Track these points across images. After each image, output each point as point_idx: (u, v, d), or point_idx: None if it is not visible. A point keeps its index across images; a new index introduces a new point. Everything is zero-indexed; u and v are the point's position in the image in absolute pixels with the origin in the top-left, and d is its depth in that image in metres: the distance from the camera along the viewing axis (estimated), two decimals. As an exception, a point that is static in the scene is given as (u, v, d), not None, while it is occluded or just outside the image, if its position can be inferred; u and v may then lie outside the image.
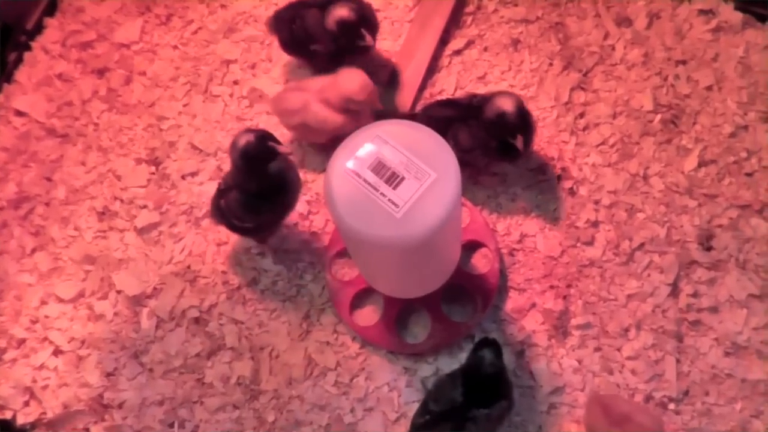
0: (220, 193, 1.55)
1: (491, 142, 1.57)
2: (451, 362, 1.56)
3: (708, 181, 1.68)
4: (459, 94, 1.79)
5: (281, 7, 1.77)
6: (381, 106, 1.64)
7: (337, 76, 1.62)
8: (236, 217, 1.53)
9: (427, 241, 1.21)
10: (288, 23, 1.70)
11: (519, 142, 1.52)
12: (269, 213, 1.53)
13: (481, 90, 1.79)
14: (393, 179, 1.22)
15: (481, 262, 1.63)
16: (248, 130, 1.41)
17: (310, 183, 1.73)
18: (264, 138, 1.40)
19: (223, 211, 1.54)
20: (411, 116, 1.62)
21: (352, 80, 1.60)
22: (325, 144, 1.71)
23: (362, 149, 1.25)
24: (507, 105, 1.52)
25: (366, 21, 1.63)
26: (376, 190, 1.22)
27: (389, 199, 1.21)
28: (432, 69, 1.81)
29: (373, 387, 1.57)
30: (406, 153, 1.23)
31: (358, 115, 1.62)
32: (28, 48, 1.94)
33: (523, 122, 1.53)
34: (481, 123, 1.55)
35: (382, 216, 1.20)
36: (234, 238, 1.69)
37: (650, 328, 1.57)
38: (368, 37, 1.62)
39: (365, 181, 1.22)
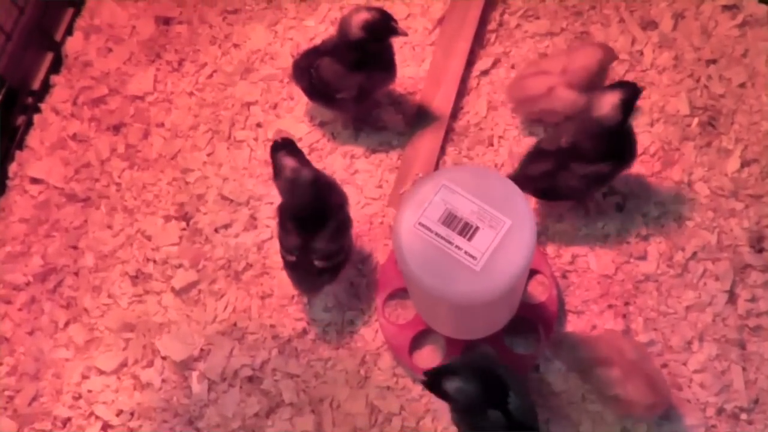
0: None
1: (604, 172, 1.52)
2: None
3: (752, 181, 1.66)
4: (493, 116, 1.74)
5: (299, 56, 1.70)
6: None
7: (573, 54, 1.61)
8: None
9: (509, 291, 1.17)
10: (307, 72, 1.65)
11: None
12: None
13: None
14: (467, 230, 1.18)
15: (538, 290, 1.59)
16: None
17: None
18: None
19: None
20: (510, 178, 1.54)
21: (590, 55, 1.59)
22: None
23: (430, 201, 1.20)
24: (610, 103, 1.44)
25: (389, 16, 1.55)
26: (450, 243, 1.17)
27: (465, 252, 1.17)
28: (461, 92, 1.76)
29: (441, 428, 1.52)
30: (476, 201, 1.19)
31: (599, 86, 1.59)
32: (38, 110, 1.86)
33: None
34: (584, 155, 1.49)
35: (460, 270, 1.16)
36: (278, 289, 1.63)
37: (713, 339, 1.54)
38: (400, 27, 1.55)
39: (437, 234, 1.18)
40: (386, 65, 1.63)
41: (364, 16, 1.52)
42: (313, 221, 1.45)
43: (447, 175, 1.22)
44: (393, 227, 1.21)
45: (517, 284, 1.21)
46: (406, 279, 1.25)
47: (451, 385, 1.24)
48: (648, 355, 1.48)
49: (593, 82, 1.61)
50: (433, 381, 1.25)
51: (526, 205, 1.19)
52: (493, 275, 1.15)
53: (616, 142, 1.48)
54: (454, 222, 1.18)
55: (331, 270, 1.51)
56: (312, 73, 1.63)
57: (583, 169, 1.50)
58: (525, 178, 1.53)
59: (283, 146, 1.44)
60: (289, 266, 1.53)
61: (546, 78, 1.64)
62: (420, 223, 1.19)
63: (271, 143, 1.45)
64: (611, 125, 1.44)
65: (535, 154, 1.55)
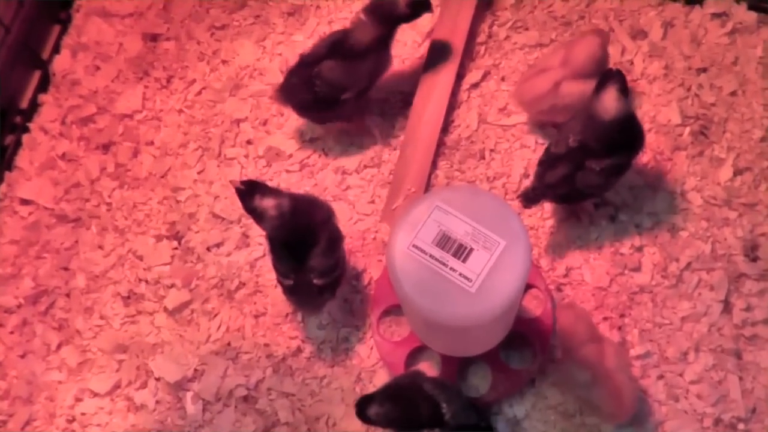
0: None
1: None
2: (515, 410, 1.51)
3: (745, 189, 1.66)
4: (484, 129, 1.74)
5: (287, 76, 1.68)
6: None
7: (573, 47, 1.61)
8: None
9: (504, 312, 1.16)
10: (307, 86, 1.63)
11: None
12: None
13: (505, 121, 1.75)
14: (461, 251, 1.17)
15: (533, 304, 1.58)
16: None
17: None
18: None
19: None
20: (530, 192, 1.55)
21: (590, 43, 1.59)
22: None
23: (424, 223, 1.19)
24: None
25: None
26: (445, 265, 1.17)
27: (460, 274, 1.16)
28: (451, 106, 1.75)
29: (437, 446, 1.52)
30: (470, 221, 1.18)
31: (604, 68, 1.58)
32: (26, 130, 1.84)
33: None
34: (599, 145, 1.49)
35: (455, 292, 1.15)
36: (271, 308, 1.62)
37: (708, 349, 1.54)
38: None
39: (431, 256, 1.17)
40: (388, 47, 1.66)
41: None
42: (304, 242, 1.44)
43: (440, 195, 1.21)
44: (387, 249, 1.20)
45: (513, 304, 1.20)
46: (401, 301, 1.25)
47: (372, 411, 1.28)
48: (628, 365, 1.47)
49: (598, 69, 1.59)
50: (358, 410, 1.29)
51: (520, 224, 1.19)
52: (488, 297, 1.15)
53: (625, 131, 1.49)
54: (449, 243, 1.17)
55: (330, 286, 1.50)
56: (315, 81, 1.62)
57: (599, 163, 1.49)
58: (545, 188, 1.53)
59: (252, 189, 1.41)
60: (288, 290, 1.52)
61: (549, 74, 1.63)
62: (414, 245, 1.18)
63: (235, 190, 1.42)
64: (621, 117, 1.45)
65: (549, 162, 1.53)
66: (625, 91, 1.46)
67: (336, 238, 1.49)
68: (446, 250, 1.17)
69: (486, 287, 1.15)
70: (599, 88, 1.46)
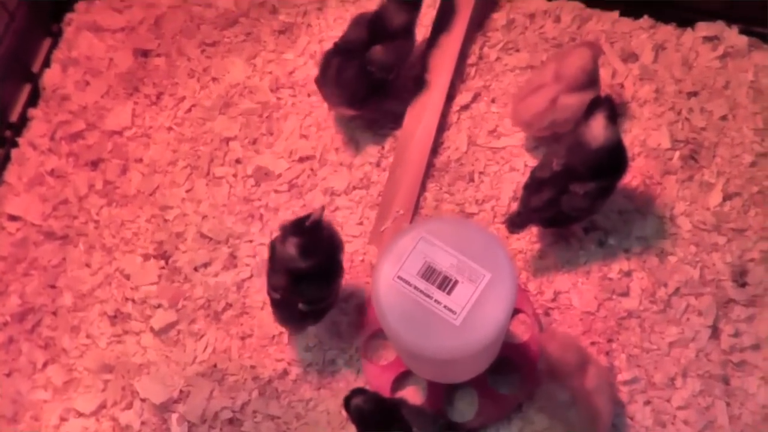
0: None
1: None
2: (502, 436, 1.51)
3: (734, 214, 1.66)
4: (474, 151, 1.73)
5: (331, 71, 1.67)
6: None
7: (564, 60, 1.60)
8: None
9: (489, 344, 1.16)
10: (361, 73, 1.65)
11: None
12: None
13: (495, 143, 1.74)
14: (446, 284, 1.17)
15: (520, 329, 1.58)
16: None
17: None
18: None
19: None
20: (515, 217, 1.55)
21: (582, 55, 1.58)
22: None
23: (409, 254, 1.18)
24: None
25: None
26: (430, 297, 1.16)
27: (445, 306, 1.16)
28: (441, 127, 1.74)
29: (422, 469, 1.51)
30: (455, 254, 1.18)
31: (596, 80, 1.60)
32: (15, 144, 1.83)
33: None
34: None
35: (440, 325, 1.15)
36: (258, 329, 1.61)
37: (696, 374, 1.54)
38: None
39: (416, 288, 1.17)
40: (413, 30, 1.72)
41: None
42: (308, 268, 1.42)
43: (426, 226, 1.21)
44: (372, 280, 1.19)
45: (498, 336, 1.20)
46: (385, 332, 1.24)
47: (355, 401, 1.31)
48: (611, 387, 1.47)
49: (592, 81, 1.61)
50: (347, 398, 1.32)
51: (505, 256, 1.18)
52: (473, 329, 1.15)
53: (612, 157, 1.49)
54: (434, 275, 1.17)
55: (313, 314, 1.49)
56: (370, 68, 1.65)
57: (583, 187, 1.49)
58: (530, 212, 1.53)
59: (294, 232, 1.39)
60: (274, 303, 1.51)
61: (544, 91, 1.62)
62: (399, 277, 1.18)
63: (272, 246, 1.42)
64: (609, 145, 1.45)
65: (533, 186, 1.53)
66: (613, 118, 1.45)
67: (335, 273, 1.48)
68: (431, 282, 1.17)
69: (471, 320, 1.15)
70: (588, 114, 1.46)
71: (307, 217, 1.37)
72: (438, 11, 1.82)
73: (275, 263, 1.45)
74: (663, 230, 1.65)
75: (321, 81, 1.69)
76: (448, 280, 1.16)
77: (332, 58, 1.67)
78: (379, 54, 1.66)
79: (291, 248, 1.36)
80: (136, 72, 1.87)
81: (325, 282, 1.45)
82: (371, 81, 1.67)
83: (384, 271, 1.18)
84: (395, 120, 1.77)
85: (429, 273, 1.17)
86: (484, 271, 1.16)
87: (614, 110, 1.46)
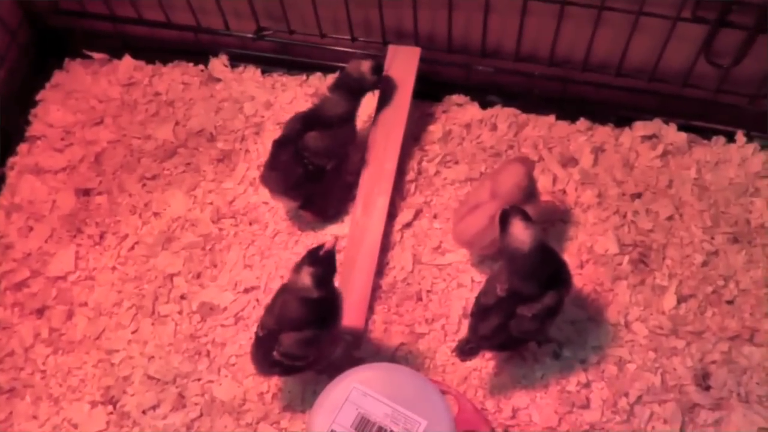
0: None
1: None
2: None
3: (691, 316, 1.62)
4: (419, 270, 1.71)
5: (270, 162, 1.70)
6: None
7: (498, 178, 1.59)
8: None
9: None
10: (295, 160, 1.67)
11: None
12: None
13: (440, 260, 1.72)
14: (381, 435, 1.12)
15: (479, 455, 1.53)
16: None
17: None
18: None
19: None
20: (464, 345, 1.54)
21: (515, 169, 1.58)
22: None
23: (341, 407, 1.15)
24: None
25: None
26: (366, 450, 1.12)
27: (383, 458, 1.11)
28: (384, 248, 1.72)
29: None
30: (388, 402, 1.15)
31: (534, 194, 1.61)
32: (-42, 301, 1.80)
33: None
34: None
35: (378, 480, 1.10)
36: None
37: (668, 487, 1.49)
38: None
39: (351, 442, 1.12)
40: (354, 120, 1.76)
41: (369, 62, 1.71)
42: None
43: (357, 375, 1.18)
44: (304, 435, 1.16)
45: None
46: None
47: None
48: None
49: (529, 195, 1.59)
50: None
51: (441, 401, 1.15)
52: (411, 484, 1.10)
53: (547, 261, 1.45)
54: (368, 427, 1.14)
55: (285, 368, 1.47)
56: (303, 153, 1.66)
57: (531, 309, 1.46)
58: (480, 340, 1.50)
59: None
60: (255, 338, 1.51)
61: (482, 210, 1.61)
62: (333, 431, 1.14)
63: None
64: (537, 243, 1.42)
65: (480, 313, 1.51)
66: (528, 218, 1.43)
67: (319, 339, 1.45)
68: (367, 434, 1.13)
69: (408, 474, 1.10)
70: (503, 228, 1.44)
71: (320, 247, 1.38)
72: (373, 125, 1.81)
73: (277, 298, 1.47)
74: (619, 338, 1.61)
75: (263, 172, 1.73)
76: (383, 430, 1.12)
77: (272, 147, 1.71)
78: (311, 140, 1.67)
79: (306, 277, 1.37)
80: (79, 213, 1.85)
81: (306, 342, 1.43)
82: (306, 168, 1.67)
83: (317, 425, 1.14)
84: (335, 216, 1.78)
85: (363, 424, 1.13)
86: (419, 418, 1.13)
87: (525, 213, 1.44)
